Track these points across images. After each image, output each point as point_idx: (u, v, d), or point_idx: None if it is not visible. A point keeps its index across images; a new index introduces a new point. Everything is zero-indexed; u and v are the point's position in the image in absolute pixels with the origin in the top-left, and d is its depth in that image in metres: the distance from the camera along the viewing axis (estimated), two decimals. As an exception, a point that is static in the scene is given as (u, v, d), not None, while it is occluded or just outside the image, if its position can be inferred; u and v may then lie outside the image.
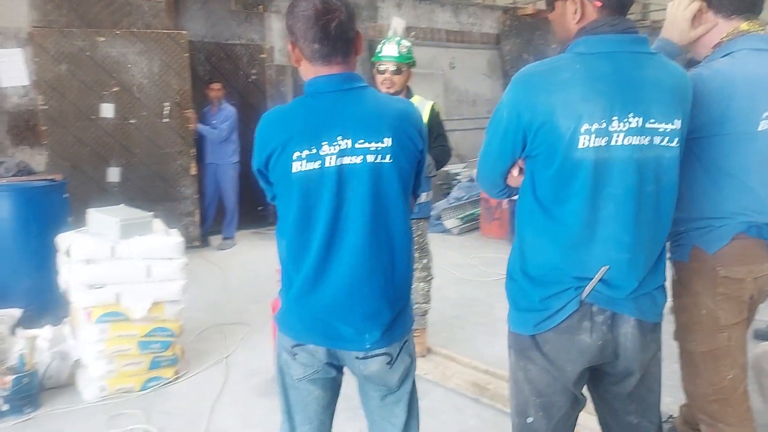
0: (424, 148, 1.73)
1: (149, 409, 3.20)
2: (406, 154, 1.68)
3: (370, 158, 1.62)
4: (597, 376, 1.72)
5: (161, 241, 3.37)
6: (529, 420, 1.71)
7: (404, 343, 1.79)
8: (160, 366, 3.42)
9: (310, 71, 1.67)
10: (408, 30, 8.57)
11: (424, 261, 3.67)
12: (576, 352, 1.62)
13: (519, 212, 1.69)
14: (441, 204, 7.25)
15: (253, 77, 7.46)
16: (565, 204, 1.55)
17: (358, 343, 1.72)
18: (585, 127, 1.48)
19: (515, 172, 1.70)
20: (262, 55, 7.46)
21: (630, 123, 1.49)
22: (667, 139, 1.54)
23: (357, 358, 1.74)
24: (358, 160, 1.62)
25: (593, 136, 1.48)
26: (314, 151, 1.61)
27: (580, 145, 1.49)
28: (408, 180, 1.71)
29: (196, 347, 3.94)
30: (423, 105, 3.52)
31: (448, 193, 8.12)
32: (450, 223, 7.03)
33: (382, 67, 3.44)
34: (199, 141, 6.51)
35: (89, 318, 3.18)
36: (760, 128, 1.84)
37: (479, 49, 9.37)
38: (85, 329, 3.21)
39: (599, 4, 1.55)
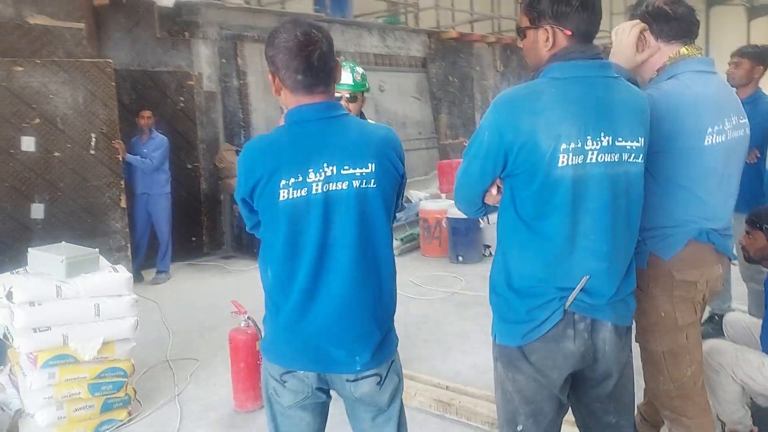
0: (404, 172, 1.78)
1: (104, 454, 3.05)
2: (389, 179, 1.72)
3: (355, 183, 1.66)
4: (577, 380, 1.81)
5: (109, 277, 3.24)
6: (519, 428, 1.77)
7: (392, 363, 1.82)
8: (113, 408, 3.27)
9: (291, 100, 1.70)
10: (336, 54, 8.65)
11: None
12: (561, 359, 1.70)
13: (501, 229, 1.76)
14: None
15: (182, 105, 7.31)
16: (546, 219, 1.64)
17: (349, 366, 1.73)
18: (563, 146, 1.58)
19: (494, 191, 1.77)
20: (190, 83, 7.33)
21: (602, 141, 1.61)
22: (633, 155, 1.67)
23: (348, 380, 1.75)
24: (343, 185, 1.65)
25: (571, 154, 1.58)
26: (300, 179, 1.63)
27: (560, 164, 1.59)
28: (391, 203, 1.76)
29: (145, 386, 3.78)
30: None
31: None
32: (389, 243, 7.09)
33: (337, 95, 3.46)
34: (128, 172, 6.30)
35: (35, 364, 3.00)
36: (705, 143, 2.00)
37: (407, 72, 9.57)
38: (30, 376, 3.02)
39: (569, 32, 1.65)
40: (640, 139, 1.68)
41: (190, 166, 7.37)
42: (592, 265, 1.66)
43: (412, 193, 8.07)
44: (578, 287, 1.65)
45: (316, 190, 1.64)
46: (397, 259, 5.37)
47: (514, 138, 1.62)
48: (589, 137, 1.59)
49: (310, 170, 1.63)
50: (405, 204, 7.55)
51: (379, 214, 1.71)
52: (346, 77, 3.48)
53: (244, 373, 3.40)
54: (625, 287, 1.75)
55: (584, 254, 1.65)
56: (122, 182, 6.19)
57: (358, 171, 1.66)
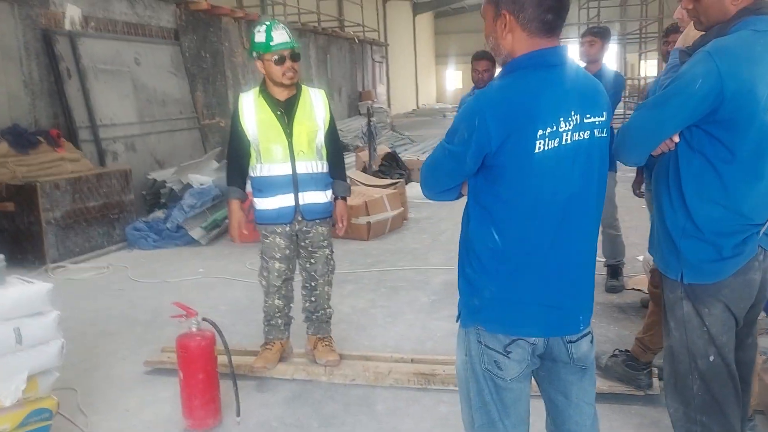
0: None
1: None
2: (611, 128, 1.73)
3: (596, 133, 1.63)
4: None
5: (25, 290, 2.36)
6: (712, 359, 1.92)
7: None
8: (39, 463, 2.41)
9: (525, 44, 1.59)
10: (86, 20, 7.37)
11: (332, 263, 3.42)
12: (749, 289, 1.92)
13: (686, 174, 1.88)
14: (177, 215, 6.52)
15: None
16: (745, 162, 1.81)
17: (575, 326, 1.70)
18: None
19: (676, 138, 1.88)
20: None
21: None
22: None
23: (570, 341, 1.69)
24: (585, 135, 1.61)
25: None
26: (554, 128, 1.55)
27: None
28: None
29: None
30: (315, 94, 3.26)
31: (158, 204, 7.33)
32: (196, 233, 6.40)
33: (278, 57, 3.05)
34: None
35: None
36: None
37: (161, 44, 8.61)
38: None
39: None
40: None
41: None
42: None
43: (193, 178, 7.34)
44: None
45: (566, 140, 1.56)
46: (210, 249, 4.91)
47: (735, 86, 1.74)
48: None
49: (561, 119, 1.54)
50: (199, 189, 6.91)
51: (606, 164, 1.70)
52: (282, 35, 3.12)
53: (204, 385, 2.82)
54: None
55: None
56: None
57: (597, 119, 1.62)
